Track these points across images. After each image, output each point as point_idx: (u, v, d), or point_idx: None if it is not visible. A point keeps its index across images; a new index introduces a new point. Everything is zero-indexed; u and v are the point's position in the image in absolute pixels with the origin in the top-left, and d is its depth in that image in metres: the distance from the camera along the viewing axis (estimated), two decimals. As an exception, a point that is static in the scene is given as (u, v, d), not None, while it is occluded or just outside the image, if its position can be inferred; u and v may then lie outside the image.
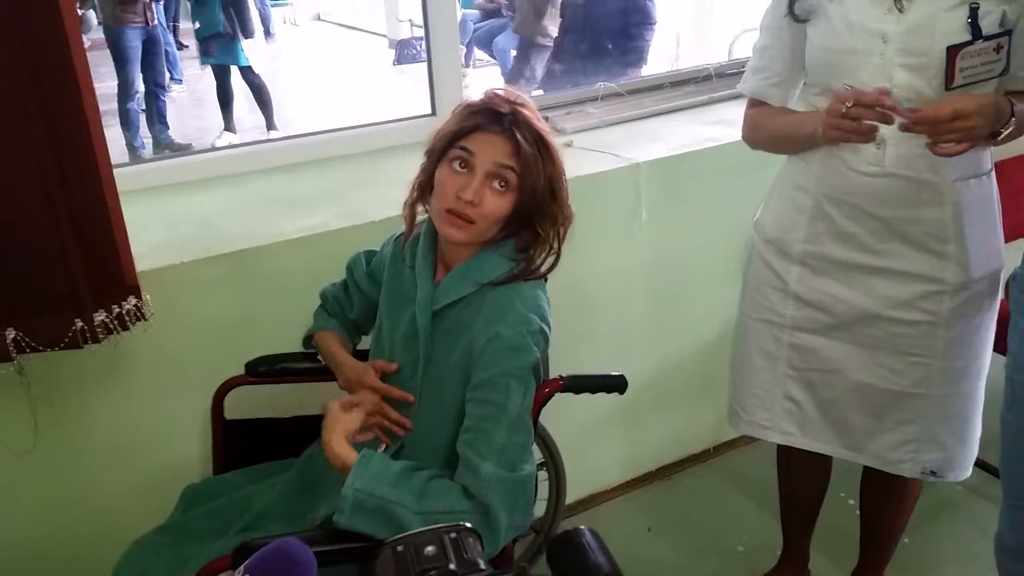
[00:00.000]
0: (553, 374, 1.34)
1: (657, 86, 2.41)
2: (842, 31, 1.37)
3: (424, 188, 1.30)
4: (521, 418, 1.18)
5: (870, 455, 1.59)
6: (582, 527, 0.59)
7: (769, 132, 1.56)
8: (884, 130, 1.32)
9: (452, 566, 0.55)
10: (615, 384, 1.31)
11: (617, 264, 2.05)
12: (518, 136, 1.20)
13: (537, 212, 1.24)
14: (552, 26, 3.89)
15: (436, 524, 1.08)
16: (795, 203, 1.52)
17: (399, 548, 0.56)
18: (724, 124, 2.15)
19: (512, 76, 4.19)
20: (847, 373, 1.54)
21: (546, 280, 1.31)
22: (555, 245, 1.28)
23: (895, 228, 1.42)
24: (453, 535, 0.58)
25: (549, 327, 1.25)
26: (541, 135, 1.23)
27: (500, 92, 1.26)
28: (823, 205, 1.47)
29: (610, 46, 3.57)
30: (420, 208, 1.33)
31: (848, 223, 1.45)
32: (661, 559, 2.06)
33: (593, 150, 2.04)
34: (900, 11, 1.32)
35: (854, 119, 1.30)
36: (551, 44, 3.89)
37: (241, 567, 0.76)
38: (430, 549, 0.56)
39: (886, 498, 1.73)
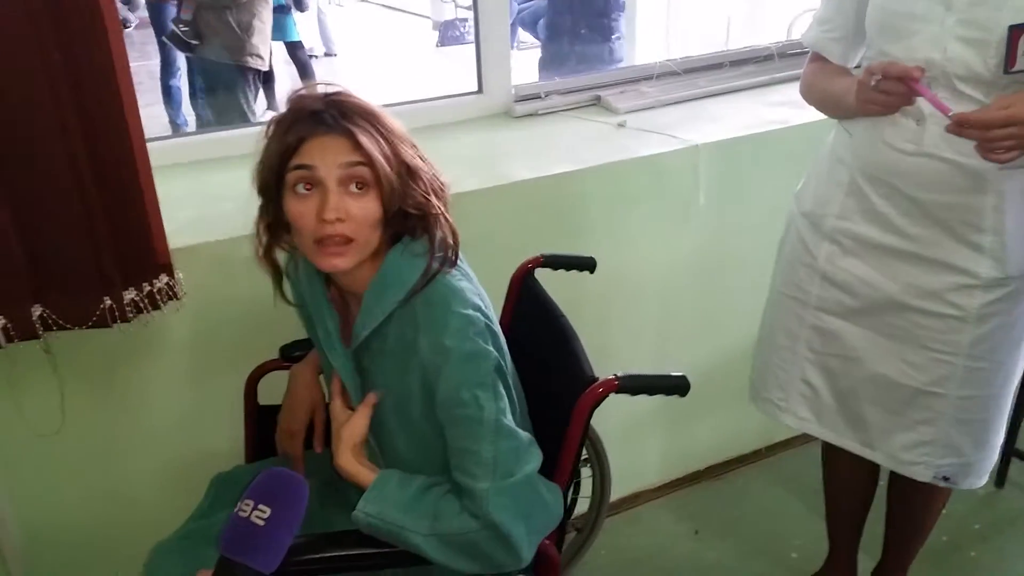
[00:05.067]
0: (598, 369, 1.24)
1: (715, 65, 2.28)
2: None
3: (274, 229, 1.15)
4: (500, 423, 1.09)
5: (883, 453, 1.51)
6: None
7: (819, 93, 1.49)
8: (925, 106, 1.23)
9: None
10: (675, 386, 1.19)
11: (669, 251, 1.95)
12: (348, 126, 1.05)
13: (407, 193, 1.10)
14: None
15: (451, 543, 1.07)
16: (833, 176, 1.45)
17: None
18: (788, 106, 2.02)
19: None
20: (866, 362, 1.46)
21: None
22: (446, 215, 1.14)
23: (930, 212, 1.33)
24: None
25: (484, 314, 1.13)
26: (368, 109, 1.09)
27: (304, 91, 1.10)
28: (858, 181, 1.40)
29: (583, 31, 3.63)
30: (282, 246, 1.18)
31: (881, 202, 1.37)
32: (709, 562, 1.97)
33: (648, 131, 1.93)
34: None
35: (884, 92, 1.24)
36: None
37: (244, 493, 0.84)
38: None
39: (912, 500, 1.66)
